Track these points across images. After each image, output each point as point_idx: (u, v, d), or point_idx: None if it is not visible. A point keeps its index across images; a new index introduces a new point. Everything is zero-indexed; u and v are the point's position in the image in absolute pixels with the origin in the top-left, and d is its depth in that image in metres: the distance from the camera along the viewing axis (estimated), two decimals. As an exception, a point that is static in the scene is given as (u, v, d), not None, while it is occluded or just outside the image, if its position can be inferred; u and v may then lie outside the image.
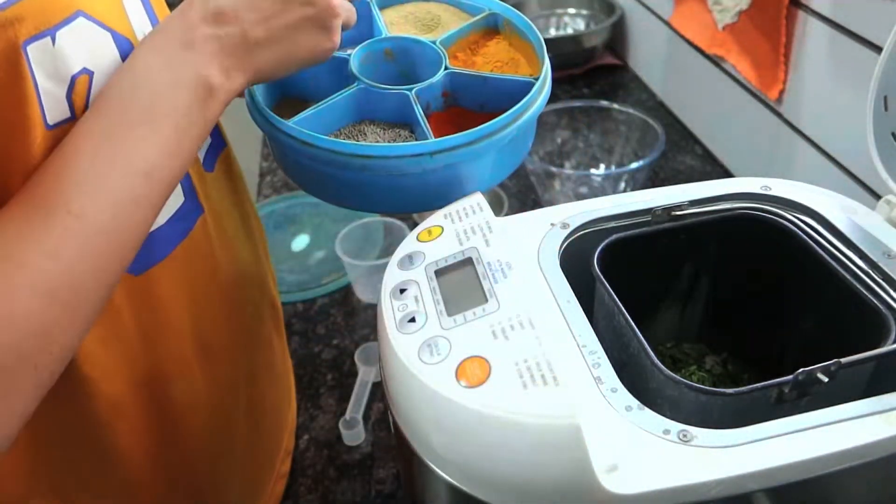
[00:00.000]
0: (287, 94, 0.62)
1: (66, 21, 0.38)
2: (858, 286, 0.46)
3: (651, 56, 1.29)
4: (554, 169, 0.97)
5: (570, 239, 0.51)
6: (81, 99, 0.40)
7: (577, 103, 1.06)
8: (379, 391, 0.78)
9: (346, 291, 0.93)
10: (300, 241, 1.04)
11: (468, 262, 0.45)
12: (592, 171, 1.07)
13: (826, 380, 0.39)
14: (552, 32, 1.45)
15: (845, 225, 0.50)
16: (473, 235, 0.47)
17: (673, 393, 0.41)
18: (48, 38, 0.37)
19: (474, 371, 0.38)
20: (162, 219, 0.46)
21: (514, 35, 0.64)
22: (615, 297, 0.46)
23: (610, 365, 0.41)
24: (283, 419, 0.72)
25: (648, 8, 1.25)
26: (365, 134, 0.57)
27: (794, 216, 0.52)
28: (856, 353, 0.41)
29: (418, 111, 0.55)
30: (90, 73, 0.40)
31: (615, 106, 1.04)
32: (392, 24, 0.65)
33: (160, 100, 0.40)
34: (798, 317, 0.53)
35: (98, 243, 0.37)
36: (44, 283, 0.35)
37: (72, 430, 0.47)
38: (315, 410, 0.79)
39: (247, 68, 0.45)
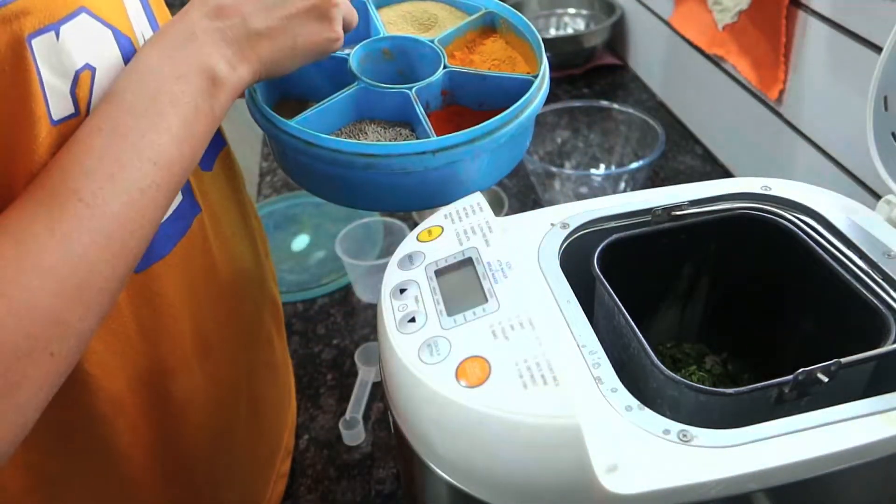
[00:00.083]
0: (287, 94, 0.62)
1: (70, 16, 0.39)
2: (858, 286, 0.46)
3: (651, 56, 1.29)
4: (554, 169, 0.97)
5: (570, 239, 0.51)
6: (85, 94, 0.40)
7: (577, 103, 1.06)
8: (379, 391, 0.79)
9: (346, 291, 0.93)
10: (300, 241, 1.04)
11: (468, 262, 0.45)
12: (592, 171, 1.07)
13: (826, 380, 0.39)
14: (552, 32, 1.45)
15: (845, 225, 0.50)
16: (473, 235, 0.47)
17: (673, 393, 0.41)
18: (52, 33, 0.38)
19: (474, 371, 0.38)
20: None
21: (511, 33, 0.64)
22: (615, 297, 0.46)
23: (610, 365, 0.41)
24: (283, 418, 0.72)
25: (648, 8, 1.25)
26: (366, 133, 0.57)
27: (794, 216, 0.52)
28: (856, 353, 0.41)
29: (419, 110, 0.55)
30: (93, 70, 0.40)
31: (615, 106, 1.04)
32: (389, 23, 0.65)
33: (164, 91, 0.41)
34: (798, 317, 0.53)
35: (110, 230, 0.37)
36: (56, 268, 0.35)
37: (72, 427, 0.47)
38: (315, 410, 0.79)
39: (251, 59, 0.46)
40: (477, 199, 0.51)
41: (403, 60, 0.62)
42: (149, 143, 0.39)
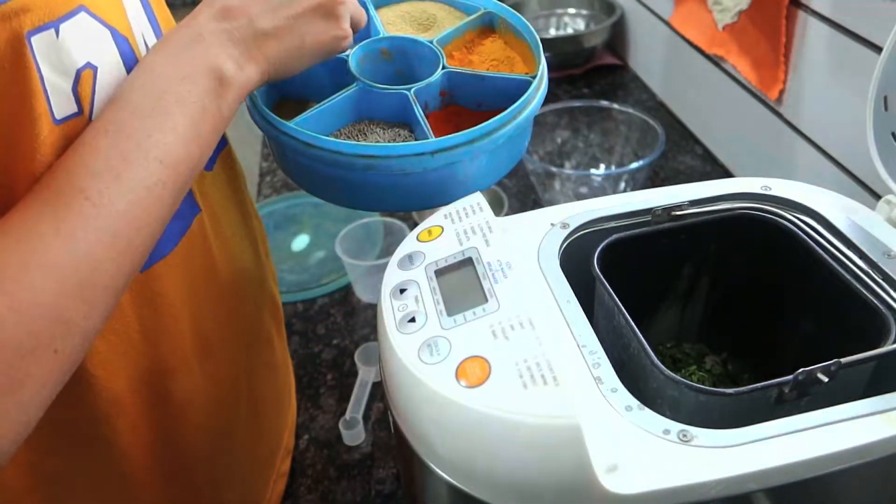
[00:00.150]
0: (286, 95, 0.62)
1: (70, 15, 0.39)
2: (858, 286, 0.46)
3: (651, 56, 1.29)
4: (554, 169, 0.97)
5: (570, 239, 0.51)
6: (87, 93, 0.40)
7: (577, 103, 1.06)
8: (379, 391, 0.79)
9: (346, 291, 0.93)
10: (300, 241, 1.04)
11: (468, 262, 0.45)
12: (592, 171, 1.07)
13: (826, 380, 0.39)
14: (552, 32, 1.45)
15: (845, 225, 0.50)
16: (473, 235, 0.47)
17: (673, 393, 0.41)
18: (52, 31, 0.38)
19: (474, 371, 0.38)
20: None
21: (510, 34, 0.64)
22: (615, 297, 0.46)
23: (610, 365, 0.41)
24: (283, 418, 0.72)
25: (648, 8, 1.25)
26: (365, 134, 0.57)
27: (794, 216, 0.52)
28: (856, 353, 0.41)
29: (418, 111, 0.55)
30: (94, 69, 0.40)
31: (615, 106, 1.04)
32: (388, 23, 0.65)
33: (171, 92, 0.41)
34: (798, 317, 0.53)
35: (115, 229, 0.37)
36: (60, 266, 0.35)
37: (73, 427, 0.47)
38: (315, 410, 0.79)
39: (259, 59, 0.46)
40: (477, 199, 0.51)
41: (402, 61, 0.62)
42: (155, 143, 0.40)
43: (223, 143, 0.58)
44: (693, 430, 0.37)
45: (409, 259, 0.47)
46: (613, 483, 0.35)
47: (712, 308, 0.59)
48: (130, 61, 0.44)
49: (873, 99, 0.55)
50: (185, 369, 0.51)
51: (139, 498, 0.52)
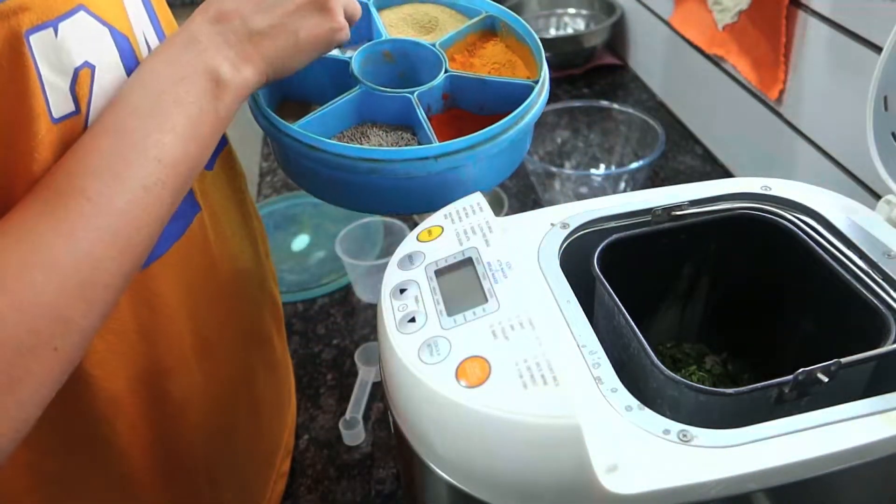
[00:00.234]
0: (288, 96, 0.62)
1: (69, 14, 0.39)
2: (858, 286, 0.46)
3: (651, 56, 1.29)
4: (554, 169, 0.97)
5: (570, 239, 0.51)
6: (85, 93, 0.40)
7: (577, 103, 1.06)
8: (379, 391, 0.79)
9: (346, 291, 0.93)
10: (300, 241, 1.04)
11: (468, 262, 0.45)
12: (592, 171, 1.07)
13: (826, 380, 0.39)
14: (552, 32, 1.45)
15: (845, 225, 0.50)
16: (473, 235, 0.47)
17: (673, 393, 0.41)
18: (51, 30, 0.38)
19: (474, 371, 0.38)
20: None
21: (511, 37, 0.64)
22: (615, 297, 0.46)
23: (610, 365, 0.41)
24: (283, 418, 0.72)
25: (648, 8, 1.25)
26: (368, 136, 0.58)
27: (794, 216, 0.52)
28: (856, 353, 0.41)
29: (421, 114, 0.56)
30: (92, 67, 0.41)
31: (615, 106, 1.04)
32: (390, 25, 0.65)
33: (168, 93, 0.42)
34: (798, 317, 0.53)
35: (115, 228, 0.37)
36: (60, 265, 0.35)
37: (72, 427, 0.47)
38: (315, 410, 0.79)
39: (255, 59, 0.46)
40: (477, 199, 0.51)
41: (405, 63, 0.62)
42: (154, 142, 0.40)
43: (223, 142, 0.58)
44: (693, 430, 0.37)
45: (409, 259, 0.47)
46: (613, 483, 0.35)
47: (712, 308, 0.59)
48: (130, 60, 0.44)
49: (873, 99, 0.55)
50: (183, 369, 0.51)
51: (138, 498, 0.52)
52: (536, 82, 0.58)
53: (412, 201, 0.55)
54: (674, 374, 0.41)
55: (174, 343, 0.50)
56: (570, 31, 1.45)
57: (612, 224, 0.53)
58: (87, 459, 0.49)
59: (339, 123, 0.58)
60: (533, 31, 0.62)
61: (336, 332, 0.88)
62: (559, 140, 1.07)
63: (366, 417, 0.76)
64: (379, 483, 0.71)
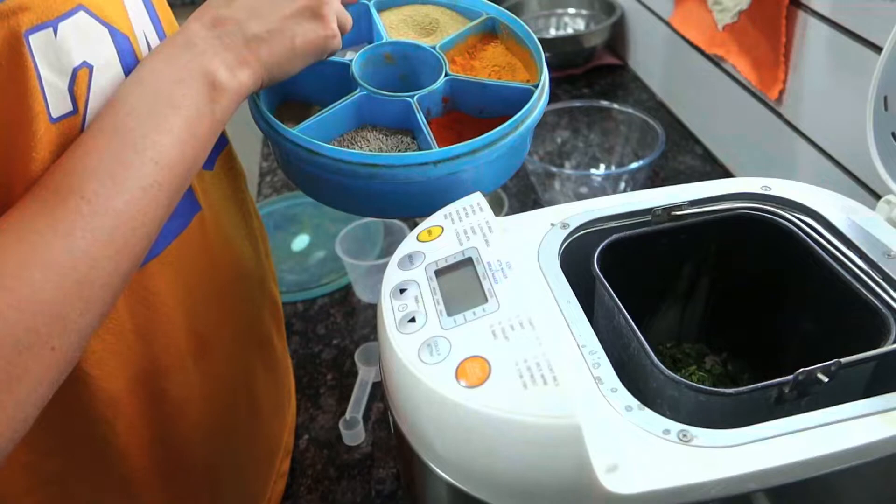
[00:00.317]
0: (289, 96, 0.62)
1: (68, 14, 0.39)
2: (858, 286, 0.46)
3: (651, 56, 1.29)
4: (554, 169, 0.97)
5: (570, 239, 0.51)
6: (83, 92, 0.40)
7: (577, 103, 1.06)
8: (379, 391, 0.79)
9: (346, 291, 0.93)
10: (300, 241, 1.04)
11: (468, 262, 0.45)
12: (592, 171, 1.07)
13: (826, 380, 0.39)
14: (552, 32, 1.45)
15: (845, 225, 0.50)
16: (473, 235, 0.47)
17: (673, 393, 0.41)
18: (50, 30, 0.38)
19: (474, 371, 0.38)
20: None
21: (511, 40, 0.64)
22: (615, 296, 0.46)
23: (610, 365, 0.41)
24: (283, 418, 0.72)
25: (648, 8, 1.24)
26: (368, 140, 0.58)
27: (794, 216, 0.52)
28: (856, 353, 0.41)
29: (420, 119, 0.56)
30: (90, 67, 0.41)
31: (615, 106, 1.04)
32: (391, 27, 0.65)
33: (165, 95, 0.42)
34: (798, 317, 0.53)
35: (111, 227, 0.38)
36: (58, 264, 0.35)
37: (70, 427, 0.47)
38: (315, 410, 0.79)
39: (252, 62, 0.47)
40: (477, 199, 0.51)
41: (405, 65, 0.62)
42: (151, 144, 0.40)
43: (223, 142, 0.58)
44: (693, 430, 0.37)
45: (409, 259, 0.47)
46: (613, 483, 0.35)
47: (712, 308, 0.59)
48: (130, 60, 0.44)
49: (873, 99, 0.55)
50: (181, 369, 0.51)
51: (138, 498, 0.52)
52: (536, 86, 0.58)
53: (412, 206, 0.55)
54: (674, 374, 0.41)
55: (172, 342, 0.50)
56: (570, 31, 1.45)
57: (612, 224, 0.53)
58: (87, 459, 0.49)
59: (339, 127, 0.58)
60: (533, 35, 0.62)
61: (336, 332, 0.88)
62: (559, 140, 1.07)
63: (366, 417, 0.76)
64: (379, 483, 0.71)
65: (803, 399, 0.40)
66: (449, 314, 0.42)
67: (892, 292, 0.45)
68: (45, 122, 0.38)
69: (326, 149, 0.52)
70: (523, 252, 0.49)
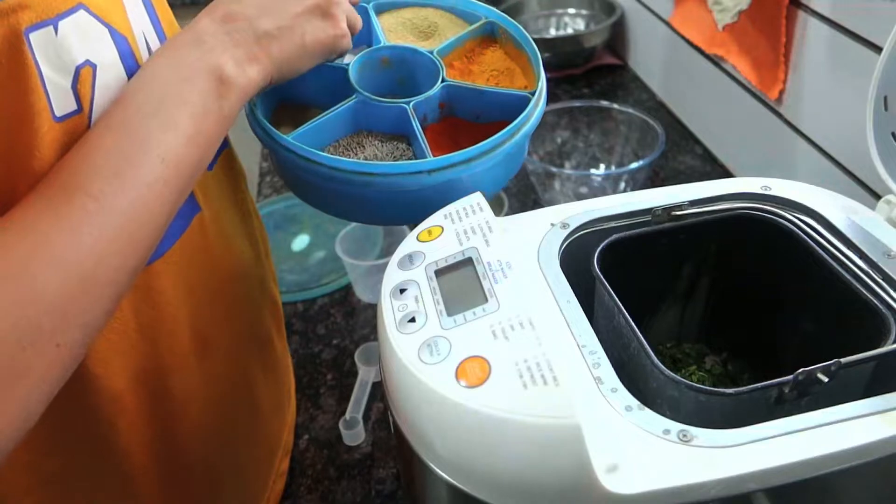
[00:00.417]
0: (285, 99, 0.62)
1: (69, 12, 0.39)
2: (858, 286, 0.46)
3: (651, 56, 1.29)
4: (554, 169, 0.97)
5: (570, 239, 0.51)
6: (87, 91, 0.40)
7: (577, 103, 1.06)
8: (379, 391, 0.79)
9: (346, 291, 0.93)
10: (300, 241, 1.04)
11: (468, 262, 0.45)
12: (592, 171, 1.07)
13: (826, 380, 0.39)
14: (552, 32, 1.45)
15: (845, 225, 0.50)
16: (473, 235, 0.47)
17: (673, 393, 0.41)
18: (50, 28, 0.38)
19: (474, 371, 0.38)
20: None
21: (510, 44, 0.64)
22: (615, 297, 0.46)
23: (610, 365, 0.41)
24: (283, 417, 0.72)
25: (648, 8, 1.25)
26: (363, 146, 0.58)
27: (794, 216, 0.52)
28: (856, 353, 0.41)
29: (416, 126, 0.56)
30: (94, 66, 0.41)
31: (615, 106, 1.04)
32: (389, 30, 0.65)
33: (172, 92, 0.42)
34: (798, 317, 0.53)
35: (118, 225, 0.38)
36: (63, 260, 0.35)
37: (72, 427, 0.47)
38: (315, 410, 0.79)
39: (261, 59, 0.47)
40: (477, 199, 0.51)
41: (403, 69, 0.62)
42: (157, 141, 0.40)
43: (224, 143, 0.58)
44: (693, 430, 0.37)
45: (409, 259, 0.47)
46: (613, 483, 0.35)
47: (712, 308, 0.59)
48: (129, 60, 0.44)
49: (873, 99, 0.55)
50: (183, 368, 0.51)
51: (138, 497, 0.52)
52: (533, 93, 0.57)
53: (407, 213, 0.55)
54: (674, 374, 0.41)
55: (175, 342, 0.50)
56: (570, 31, 1.45)
57: (612, 224, 0.53)
58: (88, 459, 0.49)
59: (334, 132, 0.58)
60: (532, 40, 0.62)
61: (336, 332, 0.88)
62: (559, 140, 1.07)
63: (366, 417, 0.76)
64: (379, 483, 0.71)
65: (803, 399, 0.40)
66: (449, 314, 0.42)
67: (892, 292, 0.45)
68: (49, 121, 0.38)
69: (321, 156, 0.52)
70: (523, 252, 0.49)
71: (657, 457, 0.36)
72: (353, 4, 0.57)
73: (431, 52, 0.61)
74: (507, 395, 0.36)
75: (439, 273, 0.45)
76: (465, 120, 0.61)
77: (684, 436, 0.37)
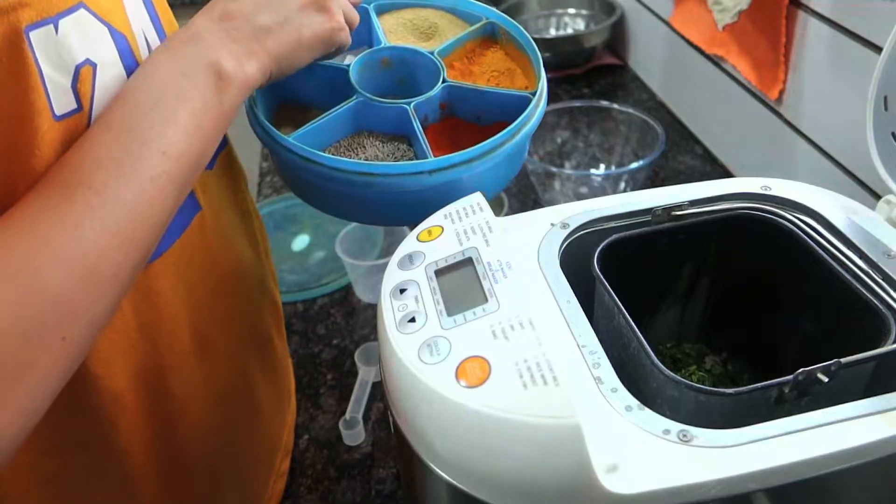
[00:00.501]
0: (286, 100, 0.62)
1: (69, 11, 0.39)
2: (858, 286, 0.46)
3: (651, 56, 1.29)
4: (554, 169, 0.97)
5: (570, 239, 0.51)
6: (87, 90, 0.40)
7: (577, 103, 1.06)
8: (379, 391, 0.79)
9: (346, 291, 0.93)
10: (300, 241, 1.04)
11: (468, 262, 0.45)
12: (592, 171, 1.07)
13: (826, 380, 0.39)
14: (552, 32, 1.45)
15: (845, 225, 0.50)
16: (473, 235, 0.47)
17: (673, 393, 0.41)
18: (51, 26, 0.38)
19: (474, 371, 0.38)
20: None
21: (511, 45, 0.64)
22: (615, 297, 0.46)
23: (610, 365, 0.41)
24: (283, 417, 0.72)
25: (648, 8, 1.25)
26: (364, 146, 0.58)
27: (794, 216, 0.52)
28: (856, 353, 0.41)
29: (416, 126, 0.56)
30: (94, 65, 0.41)
31: (615, 106, 1.04)
32: (390, 31, 0.65)
33: (172, 88, 0.42)
34: (798, 317, 0.53)
35: (120, 218, 0.38)
36: (66, 254, 0.35)
37: (72, 427, 0.47)
38: (315, 410, 0.79)
39: (260, 55, 0.47)
40: (477, 199, 0.51)
41: (403, 70, 0.62)
42: (158, 135, 0.40)
43: (224, 142, 0.58)
44: (693, 430, 0.37)
45: (409, 259, 0.47)
46: (613, 483, 0.35)
47: (712, 308, 0.59)
48: (128, 59, 0.44)
49: (873, 99, 0.55)
50: (184, 367, 0.51)
51: (138, 497, 0.52)
52: (534, 94, 0.57)
53: (408, 214, 0.55)
54: (674, 374, 0.41)
55: (175, 341, 0.50)
56: (570, 31, 1.45)
57: (612, 224, 0.53)
58: (88, 459, 0.49)
59: (335, 133, 0.58)
60: (532, 41, 0.62)
61: (336, 332, 0.88)
62: (559, 140, 1.07)
63: (366, 417, 0.76)
64: (379, 483, 0.71)
65: (803, 399, 0.40)
66: (449, 314, 0.42)
67: (892, 292, 0.45)
68: (49, 120, 0.38)
69: (322, 157, 0.52)
70: (523, 252, 0.49)
71: (657, 457, 0.36)
72: (354, 5, 0.57)
73: (432, 53, 0.61)
74: (507, 395, 0.36)
75: (439, 273, 0.45)
76: (466, 120, 0.61)
77: (684, 436, 0.37)
